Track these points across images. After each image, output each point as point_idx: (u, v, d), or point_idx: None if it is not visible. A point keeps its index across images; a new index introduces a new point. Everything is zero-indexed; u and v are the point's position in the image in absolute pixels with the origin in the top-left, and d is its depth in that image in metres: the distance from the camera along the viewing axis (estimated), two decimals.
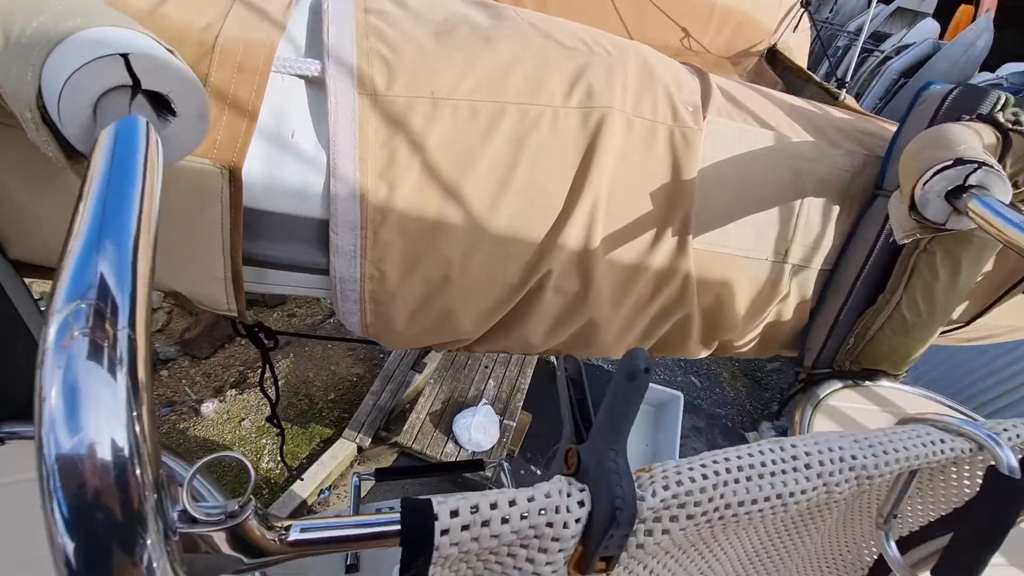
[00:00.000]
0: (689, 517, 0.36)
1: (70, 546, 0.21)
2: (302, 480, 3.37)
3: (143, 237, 0.29)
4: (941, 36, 7.65)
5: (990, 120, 0.83)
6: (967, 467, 0.50)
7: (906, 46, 7.74)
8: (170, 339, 4.34)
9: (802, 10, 1.73)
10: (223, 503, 0.29)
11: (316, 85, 0.65)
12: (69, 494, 0.21)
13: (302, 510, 3.34)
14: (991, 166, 0.63)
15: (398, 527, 0.32)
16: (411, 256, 0.73)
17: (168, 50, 0.40)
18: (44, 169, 0.56)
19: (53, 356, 0.23)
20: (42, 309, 0.65)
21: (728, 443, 4.00)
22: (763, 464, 0.39)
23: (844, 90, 1.55)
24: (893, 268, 0.97)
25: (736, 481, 0.38)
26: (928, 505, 0.57)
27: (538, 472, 3.64)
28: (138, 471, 0.23)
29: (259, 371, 3.89)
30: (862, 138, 0.98)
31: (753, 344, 1.07)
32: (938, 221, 0.68)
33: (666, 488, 0.36)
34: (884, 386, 1.03)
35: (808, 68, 1.80)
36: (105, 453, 0.22)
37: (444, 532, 0.31)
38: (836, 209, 0.96)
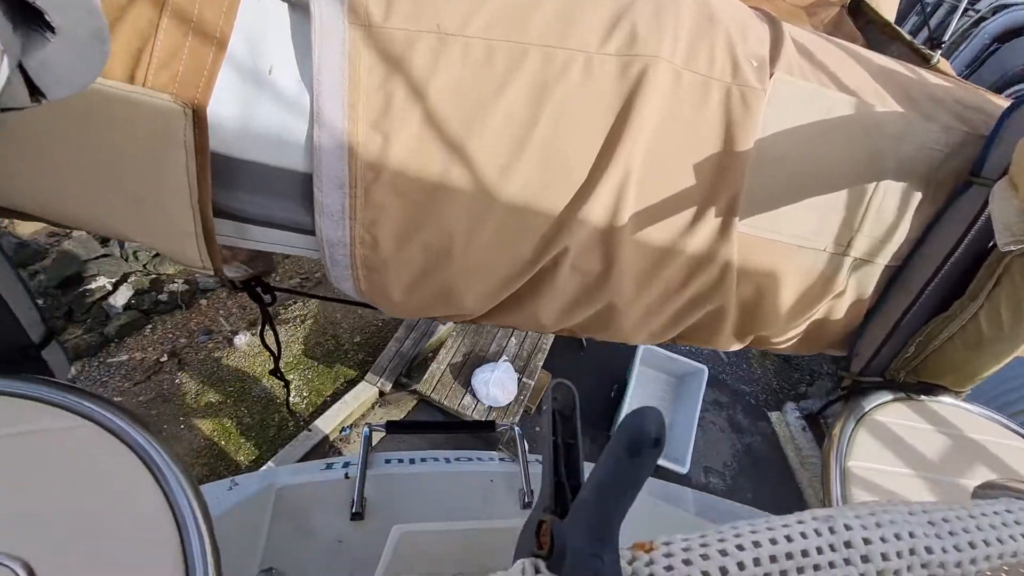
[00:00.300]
0: None
1: None
2: (326, 416, 3.48)
3: None
4: None
5: None
6: None
7: (1005, 6, 6.82)
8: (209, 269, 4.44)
9: None
10: None
11: (300, 11, 0.54)
12: None
13: (324, 444, 3.46)
14: None
15: None
16: (408, 222, 0.64)
17: None
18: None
19: None
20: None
21: (748, 421, 3.87)
22: (805, 553, 0.29)
23: (939, 52, 1.31)
24: (976, 271, 0.82)
25: None
26: None
27: None
28: None
29: (290, 308, 3.94)
30: (963, 112, 0.81)
31: (794, 342, 0.94)
32: None
33: None
34: (943, 402, 0.90)
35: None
36: None
37: None
38: (917, 196, 0.80)
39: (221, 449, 3.35)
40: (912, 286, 0.84)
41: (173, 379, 3.62)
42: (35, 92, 0.32)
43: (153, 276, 4.17)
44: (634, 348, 3.96)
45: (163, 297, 4.05)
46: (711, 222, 0.72)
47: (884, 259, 0.84)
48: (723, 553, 0.28)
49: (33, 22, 0.30)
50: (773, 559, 0.29)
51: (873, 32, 1.56)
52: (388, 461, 1.63)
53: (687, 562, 0.28)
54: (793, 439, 4.03)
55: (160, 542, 0.51)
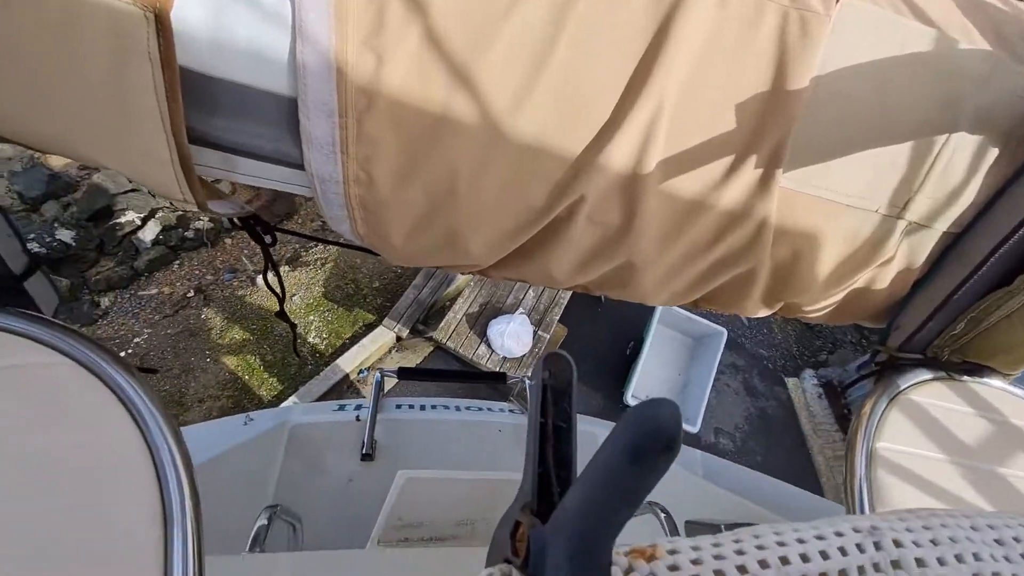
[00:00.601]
0: None
1: None
2: (345, 358, 3.54)
3: None
4: None
5: None
6: None
7: None
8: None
9: None
10: None
11: None
12: None
13: (343, 384, 3.54)
14: None
15: None
16: (407, 159, 0.57)
17: None
18: None
19: None
20: None
21: (764, 386, 3.82)
22: (843, 574, 0.24)
23: None
24: None
25: None
26: None
27: None
28: None
29: (311, 251, 3.96)
30: None
31: (829, 311, 0.86)
32: None
33: None
34: (989, 385, 0.82)
35: None
36: None
37: None
38: (993, 153, 0.69)
39: (245, 383, 3.47)
40: (972, 256, 0.75)
41: (199, 315, 3.71)
42: None
43: (179, 213, 4.20)
44: (653, 307, 3.89)
45: (189, 234, 4.10)
46: (750, 173, 0.63)
47: (943, 224, 0.74)
48: (742, 571, 0.23)
49: None
50: None
51: None
52: (399, 406, 1.64)
53: (695, 572, 0.22)
54: (808, 406, 3.97)
55: (137, 486, 0.48)
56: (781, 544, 0.24)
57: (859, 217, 0.71)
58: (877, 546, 0.25)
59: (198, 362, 3.47)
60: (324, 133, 0.53)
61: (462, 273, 0.79)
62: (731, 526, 0.98)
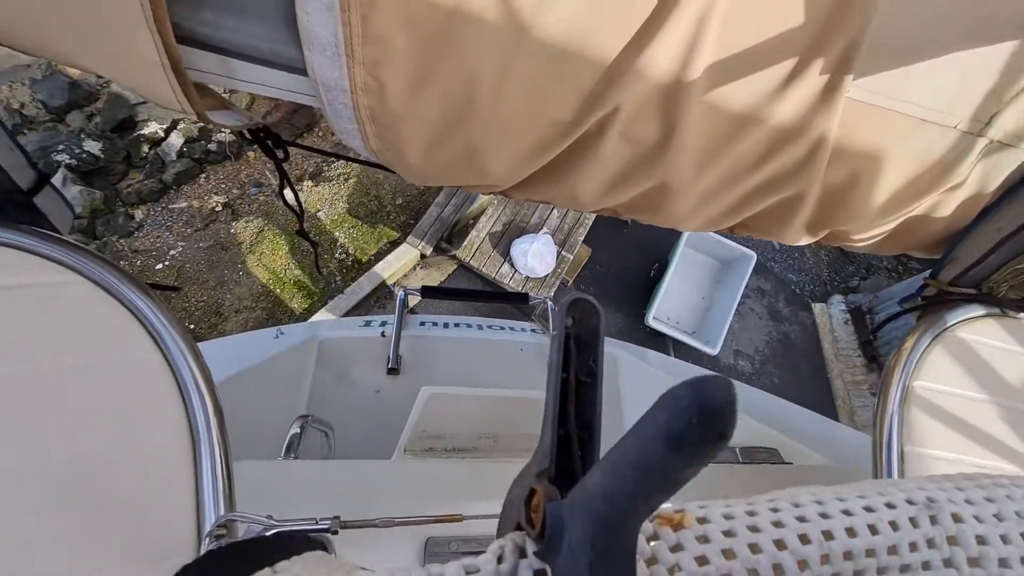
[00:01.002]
0: None
1: None
2: (371, 274, 3.60)
3: None
4: None
5: None
6: None
7: None
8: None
9: None
10: None
11: None
12: None
13: (370, 299, 3.63)
14: None
15: None
16: (421, 62, 0.50)
17: None
18: None
19: None
20: None
21: (790, 311, 3.79)
22: (893, 550, 0.21)
23: None
24: None
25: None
26: None
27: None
28: None
29: (335, 166, 3.90)
30: None
31: (878, 239, 0.79)
32: None
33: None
34: None
35: None
36: None
37: None
38: None
39: (277, 296, 3.58)
40: None
41: (229, 228, 3.76)
42: None
43: (200, 124, 4.13)
44: None
45: (212, 147, 4.05)
46: (813, 80, 0.54)
47: None
48: (780, 546, 0.20)
49: None
50: (848, 556, 0.21)
51: None
52: (423, 324, 1.67)
53: (729, 552, 0.20)
54: (833, 331, 3.93)
55: (162, 403, 0.49)
56: (824, 516, 0.22)
57: (935, 133, 0.62)
58: (933, 520, 0.23)
59: (231, 275, 3.57)
60: (326, 31, 0.46)
61: (483, 194, 0.74)
62: (746, 450, 0.99)
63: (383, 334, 1.57)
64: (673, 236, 3.83)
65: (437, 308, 3.12)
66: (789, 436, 1.09)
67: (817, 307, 4.14)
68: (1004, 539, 0.22)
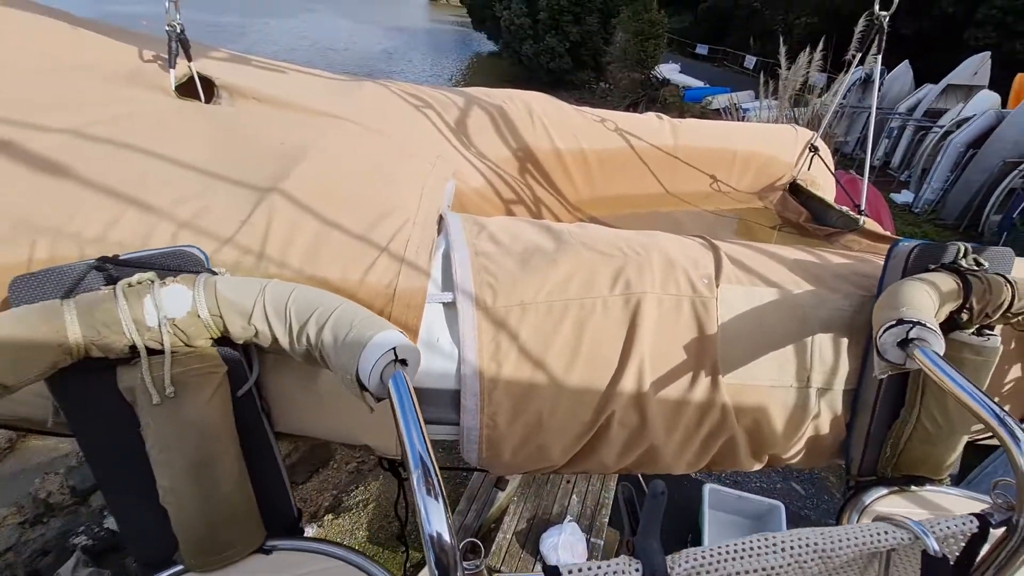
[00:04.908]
0: None
1: None
2: None
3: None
4: (1003, 106, 7.75)
5: (951, 268, 1.10)
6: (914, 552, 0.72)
7: (966, 119, 7.87)
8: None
9: (811, 154, 2.09)
10: None
11: (450, 307, 1.06)
12: None
13: None
14: (924, 324, 0.90)
15: None
16: (515, 409, 1.08)
17: (406, 339, 0.82)
18: (305, 382, 0.98)
19: None
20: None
21: None
22: (750, 549, 0.66)
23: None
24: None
25: (732, 559, 0.65)
26: None
27: None
28: None
29: (352, 495, 4.19)
30: (859, 280, 1.26)
31: (801, 456, 1.29)
32: (898, 363, 0.93)
33: (687, 562, 0.64)
34: (929, 490, 1.19)
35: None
36: None
37: None
38: (845, 340, 1.22)
39: None
40: (867, 402, 1.22)
41: None
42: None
43: None
44: (699, 493, 4.02)
45: None
46: (704, 380, 1.15)
47: (840, 385, 1.23)
48: (711, 551, 0.66)
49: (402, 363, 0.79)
50: (735, 552, 0.66)
51: (814, 204, 2.12)
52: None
53: (695, 556, 0.65)
54: None
55: None
56: (727, 545, 0.67)
57: (784, 391, 1.20)
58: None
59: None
60: (472, 404, 1.05)
61: (543, 474, 1.24)
62: None
63: None
64: (694, 503, 4.04)
65: None
66: None
67: None
68: (793, 541, 0.68)
